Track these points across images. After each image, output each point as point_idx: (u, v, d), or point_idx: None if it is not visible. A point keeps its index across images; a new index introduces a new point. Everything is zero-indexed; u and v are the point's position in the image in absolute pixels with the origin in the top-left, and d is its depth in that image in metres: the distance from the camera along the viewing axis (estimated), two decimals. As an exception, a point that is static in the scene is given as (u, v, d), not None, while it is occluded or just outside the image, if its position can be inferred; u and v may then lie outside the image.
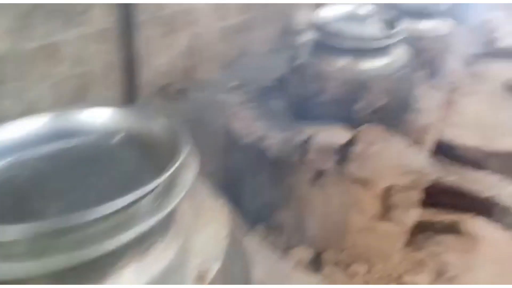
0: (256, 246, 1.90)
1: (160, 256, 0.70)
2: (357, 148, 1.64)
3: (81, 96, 2.54)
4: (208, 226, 0.82)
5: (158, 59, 3.14)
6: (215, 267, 0.73)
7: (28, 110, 2.22)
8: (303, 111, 1.89)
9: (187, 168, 0.74)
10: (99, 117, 0.90)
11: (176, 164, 0.68)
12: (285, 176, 1.82)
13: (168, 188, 0.70)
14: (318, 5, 4.68)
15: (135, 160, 0.81)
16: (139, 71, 2.90)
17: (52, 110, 0.90)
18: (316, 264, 1.82)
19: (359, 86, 1.73)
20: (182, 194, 0.69)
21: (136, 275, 0.66)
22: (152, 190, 0.66)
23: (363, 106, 1.75)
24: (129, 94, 2.90)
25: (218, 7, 3.53)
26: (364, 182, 1.66)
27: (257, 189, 1.94)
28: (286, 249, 1.88)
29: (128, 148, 0.85)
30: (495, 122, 3.15)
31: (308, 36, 2.04)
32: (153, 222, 0.63)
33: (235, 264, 0.81)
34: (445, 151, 2.38)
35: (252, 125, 1.93)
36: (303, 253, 1.85)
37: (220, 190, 2.21)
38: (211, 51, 3.63)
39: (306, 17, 4.58)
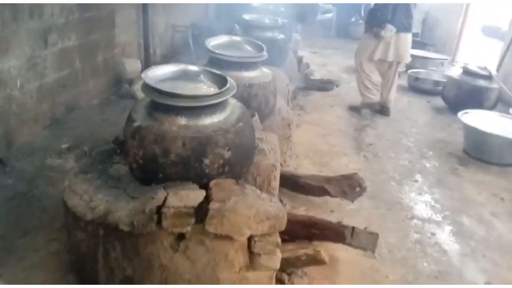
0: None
1: None
2: (213, 205, 1.61)
3: None
4: None
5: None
6: None
7: None
8: (149, 174, 1.78)
9: None
10: None
11: None
12: (143, 247, 1.67)
13: None
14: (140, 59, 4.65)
15: None
16: None
17: None
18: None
19: (203, 143, 1.71)
20: None
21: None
22: None
23: (210, 162, 1.74)
24: None
25: (32, 66, 3.15)
26: (226, 237, 1.63)
27: (112, 267, 1.73)
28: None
29: None
30: (325, 147, 3.58)
31: (140, 90, 1.95)
32: None
33: None
34: (290, 183, 2.56)
35: (94, 198, 1.73)
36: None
37: (69, 273, 1.93)
38: (30, 113, 3.20)
39: (136, 65, 4.49)
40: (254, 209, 1.65)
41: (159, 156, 1.72)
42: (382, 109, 4.52)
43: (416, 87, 5.58)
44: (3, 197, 2.47)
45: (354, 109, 4.58)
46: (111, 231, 1.65)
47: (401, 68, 4.71)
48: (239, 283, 1.71)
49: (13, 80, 2.98)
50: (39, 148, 3.02)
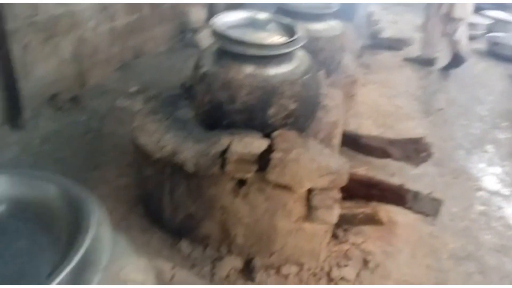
0: (181, 262, 1.80)
1: None
2: (275, 155, 1.61)
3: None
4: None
5: (41, 68, 2.80)
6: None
7: None
8: (215, 120, 1.81)
9: (99, 240, 0.61)
10: None
11: (86, 244, 0.56)
12: (206, 189, 1.73)
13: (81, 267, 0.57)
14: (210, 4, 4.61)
15: (27, 236, 0.65)
16: (20, 84, 2.55)
17: None
18: (247, 272, 1.78)
19: (268, 92, 1.70)
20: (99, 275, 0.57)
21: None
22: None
23: (274, 112, 1.73)
24: (11, 111, 2.54)
25: (104, 8, 3.25)
26: (286, 188, 1.65)
27: (177, 204, 1.83)
28: (214, 262, 1.80)
29: (16, 221, 0.68)
30: (391, 109, 3.43)
31: (207, 38, 1.95)
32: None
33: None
34: (351, 142, 2.50)
35: (162, 138, 1.80)
36: (233, 263, 1.80)
37: (137, 206, 2.06)
38: (101, 55, 3.34)
39: (200, 14, 4.48)
40: (316, 162, 1.64)
41: (225, 103, 1.74)
42: (451, 63, 4.30)
43: (495, 52, 5.12)
44: (78, 132, 2.65)
45: (412, 61, 4.44)
46: (177, 170, 1.73)
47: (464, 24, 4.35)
48: (296, 233, 1.74)
49: (86, 21, 3.10)
50: (110, 89, 3.17)
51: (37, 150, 2.44)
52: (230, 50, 1.74)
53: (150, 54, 3.96)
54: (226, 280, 1.74)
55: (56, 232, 0.63)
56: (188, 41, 4.30)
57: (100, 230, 0.61)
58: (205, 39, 3.87)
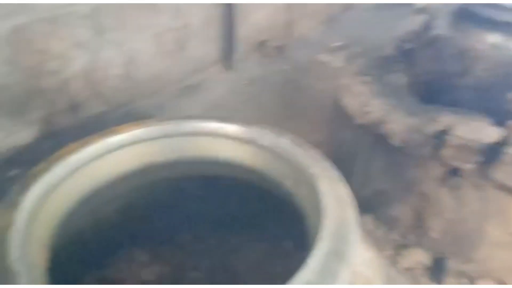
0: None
1: None
2: (509, 150, 1.31)
3: (180, 49, 2.45)
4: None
5: (257, 13, 2.91)
6: None
7: (130, 61, 2.18)
8: (436, 92, 1.57)
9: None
10: None
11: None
12: (408, 168, 1.55)
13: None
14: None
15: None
16: (237, 26, 2.71)
17: None
18: (435, 272, 1.58)
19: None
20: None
21: None
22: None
23: (516, 95, 1.39)
24: (226, 49, 2.74)
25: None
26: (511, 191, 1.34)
27: (369, 176, 1.71)
28: (398, 248, 1.65)
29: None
30: None
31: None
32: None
33: None
34: None
35: (369, 103, 1.66)
36: (421, 256, 1.61)
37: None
38: (310, 6, 3.30)
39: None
40: None
41: (454, 74, 1.48)
42: None
43: None
44: (279, 80, 2.72)
45: None
46: (379, 141, 1.58)
47: None
48: (508, 246, 1.44)
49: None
50: (314, 42, 3.14)
51: (242, 91, 2.60)
52: (475, 13, 1.44)
53: (358, 8, 3.75)
54: (409, 272, 1.57)
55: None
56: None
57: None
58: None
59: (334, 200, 0.56)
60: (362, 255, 0.63)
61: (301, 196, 0.65)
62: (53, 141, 1.77)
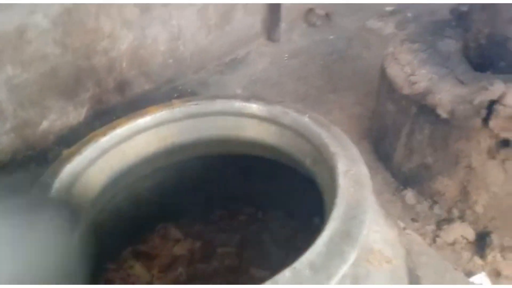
0: (401, 212, 1.67)
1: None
2: None
3: (226, 20, 2.45)
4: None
5: (303, -20, 2.82)
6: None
7: (175, 37, 2.22)
8: (489, 59, 1.46)
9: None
10: None
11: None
12: (455, 141, 1.47)
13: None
14: None
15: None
16: (282, -3, 2.64)
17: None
18: (478, 246, 1.52)
19: None
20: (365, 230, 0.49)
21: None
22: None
23: None
24: (271, 20, 2.70)
25: None
26: None
27: (413, 149, 1.64)
28: (441, 223, 1.60)
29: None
30: None
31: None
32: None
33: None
34: None
35: (416, 73, 1.58)
36: (464, 231, 1.55)
37: (365, 139, 1.98)
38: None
39: None
40: None
41: (510, 40, 1.36)
42: None
43: None
44: (324, 51, 2.64)
45: None
46: (425, 113, 1.51)
47: None
48: None
49: None
50: (363, 7, 2.98)
51: (285, 63, 2.57)
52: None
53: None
54: (450, 246, 1.52)
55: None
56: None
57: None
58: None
59: (349, 180, 0.55)
60: (382, 234, 0.62)
61: (320, 175, 0.65)
62: (103, 120, 1.87)
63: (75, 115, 1.94)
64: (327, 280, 0.43)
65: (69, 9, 1.74)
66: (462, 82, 1.45)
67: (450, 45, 1.66)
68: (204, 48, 2.42)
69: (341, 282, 0.51)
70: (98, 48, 1.92)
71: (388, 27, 2.68)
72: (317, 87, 2.33)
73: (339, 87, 2.32)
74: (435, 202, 1.65)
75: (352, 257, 0.46)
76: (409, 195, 1.70)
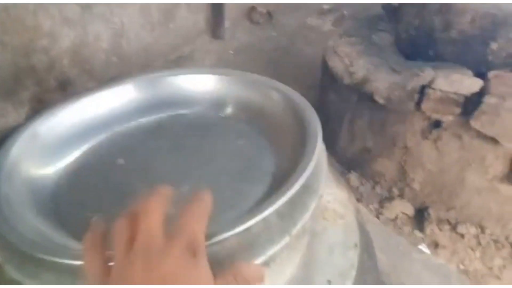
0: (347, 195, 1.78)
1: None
2: (488, 100, 1.35)
3: (168, 20, 2.45)
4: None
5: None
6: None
7: (118, 35, 2.18)
8: (419, 48, 1.61)
9: (318, 165, 0.57)
10: (203, 83, 0.75)
11: (313, 162, 0.52)
12: (392, 124, 1.61)
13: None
14: None
15: (246, 136, 0.67)
16: (225, -5, 2.70)
17: (147, 73, 0.75)
18: (418, 221, 1.67)
19: (497, 23, 1.38)
20: (315, 201, 0.53)
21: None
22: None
23: (498, 47, 1.42)
24: (215, 18, 2.74)
25: None
26: (489, 140, 1.40)
27: (355, 134, 1.77)
28: (382, 202, 1.73)
29: (238, 124, 0.70)
30: None
31: None
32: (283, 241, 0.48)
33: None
34: None
35: (354, 64, 1.69)
36: (404, 207, 1.70)
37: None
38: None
39: None
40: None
41: (437, 30, 1.51)
42: None
43: None
44: (268, 47, 2.73)
45: None
46: (364, 100, 1.63)
47: None
48: (486, 192, 1.51)
49: None
50: (303, 6, 3.12)
51: (231, 60, 2.62)
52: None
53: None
54: (393, 222, 1.66)
55: (277, 140, 0.62)
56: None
57: (321, 152, 0.59)
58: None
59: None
60: (335, 196, 0.69)
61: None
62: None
63: (15, 116, 1.85)
64: (293, 225, 0.48)
65: (6, 7, 1.67)
66: (395, 71, 1.58)
67: (384, 37, 1.81)
68: (149, 46, 2.40)
69: (304, 231, 0.56)
70: (37, 46, 1.85)
71: (326, 24, 2.83)
72: (263, 82, 2.40)
73: (284, 81, 2.40)
74: (376, 183, 1.78)
75: (312, 207, 0.51)
76: (353, 177, 1.82)
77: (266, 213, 0.45)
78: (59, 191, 0.57)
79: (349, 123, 1.77)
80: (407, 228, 1.64)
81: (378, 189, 1.78)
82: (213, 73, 0.74)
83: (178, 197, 0.52)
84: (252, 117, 0.70)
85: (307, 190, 0.52)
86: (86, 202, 0.55)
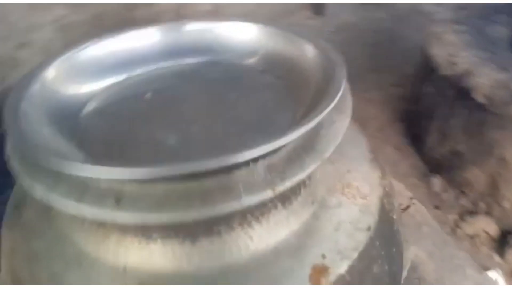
0: (425, 197, 1.61)
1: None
2: None
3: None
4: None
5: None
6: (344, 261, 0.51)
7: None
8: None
9: (339, 114, 0.53)
10: (235, 32, 0.72)
11: (329, 108, 0.47)
12: (490, 128, 1.40)
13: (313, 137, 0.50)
14: None
15: (272, 90, 0.63)
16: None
17: (195, 20, 0.74)
18: (500, 244, 1.45)
19: None
20: (331, 149, 0.48)
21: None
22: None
23: None
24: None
25: None
26: None
27: (446, 134, 1.58)
28: (464, 214, 1.54)
29: (265, 74, 0.67)
30: None
31: None
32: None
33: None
34: None
35: (458, 54, 1.49)
36: (487, 226, 1.49)
37: (398, 122, 1.92)
38: None
39: None
40: None
41: None
42: None
43: None
44: (372, 29, 2.56)
45: None
46: (462, 97, 1.43)
47: None
48: None
49: None
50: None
51: (329, 39, 2.50)
52: None
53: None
54: (470, 239, 1.46)
55: (302, 97, 0.58)
56: None
57: (341, 104, 0.53)
58: None
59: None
60: (363, 174, 0.61)
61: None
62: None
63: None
64: (281, 181, 0.43)
65: None
66: (504, 68, 1.36)
67: (499, 31, 1.56)
68: (249, 12, 2.41)
69: (308, 195, 0.52)
70: None
71: (442, 13, 2.54)
72: (358, 65, 2.24)
73: (381, 67, 2.25)
74: (462, 192, 1.58)
75: (310, 168, 0.46)
76: (436, 182, 1.64)
77: (247, 155, 0.41)
78: (85, 115, 0.60)
79: (442, 120, 1.58)
80: (484, 249, 1.43)
81: (462, 199, 1.58)
82: (253, 23, 0.71)
83: (187, 135, 0.54)
84: (284, 71, 0.65)
85: (308, 148, 0.47)
86: (107, 127, 0.58)
